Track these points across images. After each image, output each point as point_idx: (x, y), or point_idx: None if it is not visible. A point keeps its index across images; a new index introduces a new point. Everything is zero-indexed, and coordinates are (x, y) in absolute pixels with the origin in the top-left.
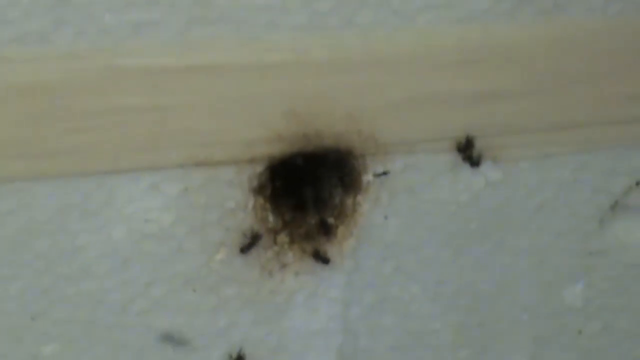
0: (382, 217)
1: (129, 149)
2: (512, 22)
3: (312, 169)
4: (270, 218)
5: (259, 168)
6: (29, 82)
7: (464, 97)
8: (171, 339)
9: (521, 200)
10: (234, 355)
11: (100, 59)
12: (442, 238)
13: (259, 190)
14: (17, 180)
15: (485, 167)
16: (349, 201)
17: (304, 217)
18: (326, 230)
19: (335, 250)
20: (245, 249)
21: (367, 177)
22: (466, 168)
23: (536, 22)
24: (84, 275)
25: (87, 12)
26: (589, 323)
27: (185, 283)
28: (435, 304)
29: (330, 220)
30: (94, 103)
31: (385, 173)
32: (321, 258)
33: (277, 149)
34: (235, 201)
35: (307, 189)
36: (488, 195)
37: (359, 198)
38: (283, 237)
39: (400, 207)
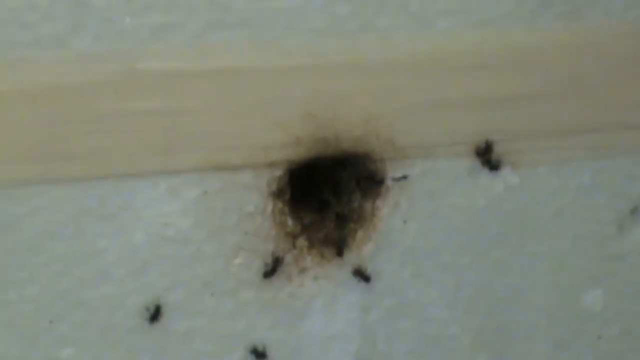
0: (401, 221)
1: (148, 152)
2: (531, 27)
3: (331, 173)
4: (289, 222)
5: (278, 172)
6: (47, 85)
7: (483, 102)
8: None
9: (540, 204)
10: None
11: (119, 62)
12: (461, 242)
13: (277, 194)
14: (35, 184)
15: (504, 171)
16: (367, 206)
17: (323, 221)
18: (342, 232)
19: (354, 255)
20: (268, 274)
21: (386, 182)
22: (485, 173)
23: (555, 27)
24: (102, 278)
25: (106, 15)
26: (607, 328)
27: (203, 287)
28: (454, 308)
29: (349, 224)
30: (112, 106)
31: (404, 177)
32: (363, 276)
33: (295, 153)
34: (254, 205)
35: (325, 192)
36: (507, 199)
37: (378, 202)
38: (302, 242)
39: (419, 212)
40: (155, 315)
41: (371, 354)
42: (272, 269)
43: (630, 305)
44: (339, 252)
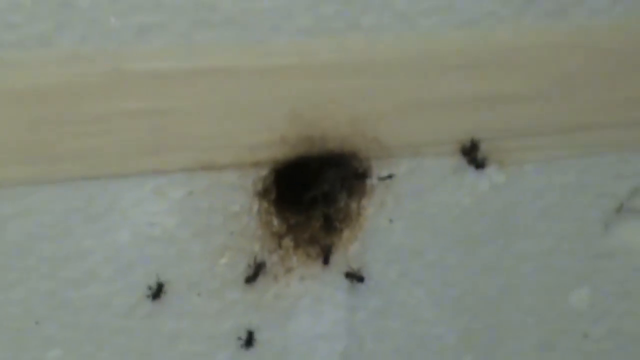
0: (387, 220)
1: (133, 152)
2: (517, 26)
3: (317, 173)
4: (275, 222)
5: (264, 172)
6: (32, 86)
7: (469, 101)
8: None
9: (526, 203)
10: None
11: (105, 62)
12: (447, 242)
13: (263, 194)
14: (21, 185)
15: (490, 170)
16: (353, 205)
17: (309, 221)
18: (330, 231)
19: (340, 255)
20: (250, 279)
21: (372, 181)
22: (471, 171)
23: (541, 25)
24: (88, 279)
25: (91, 15)
26: (594, 327)
27: (189, 287)
28: (441, 308)
29: (335, 223)
30: (98, 107)
31: (390, 176)
32: (356, 277)
33: (281, 153)
34: (239, 205)
35: (311, 193)
36: (493, 198)
37: (364, 202)
38: (288, 242)
39: (405, 211)
40: (157, 292)
41: (358, 354)
42: (255, 274)
43: (617, 304)
44: (325, 261)
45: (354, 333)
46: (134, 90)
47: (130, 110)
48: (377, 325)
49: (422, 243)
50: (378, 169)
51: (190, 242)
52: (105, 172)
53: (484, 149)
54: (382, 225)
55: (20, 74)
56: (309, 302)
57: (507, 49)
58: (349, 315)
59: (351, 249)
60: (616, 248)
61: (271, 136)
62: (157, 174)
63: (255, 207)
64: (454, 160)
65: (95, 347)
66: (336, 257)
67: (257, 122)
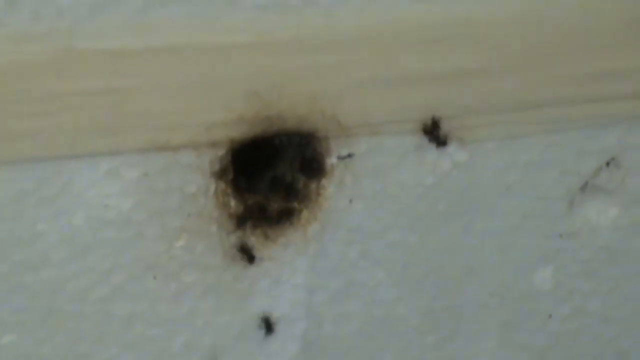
0: (347, 200)
1: (87, 133)
2: (477, 0)
3: (275, 152)
4: (232, 203)
5: (221, 152)
6: None
7: (429, 77)
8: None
9: (488, 181)
10: None
11: (57, 40)
12: (408, 221)
13: (220, 175)
14: None
15: (452, 148)
16: (312, 185)
17: (267, 201)
18: (289, 215)
19: (299, 235)
20: (252, 260)
21: (331, 160)
22: (432, 150)
23: None
24: (41, 262)
25: None
26: (558, 307)
27: (145, 270)
28: (402, 288)
29: (294, 204)
30: (50, 86)
31: (349, 155)
32: (247, 254)
33: (238, 132)
34: (196, 186)
35: (269, 173)
36: (454, 177)
37: (323, 182)
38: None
39: (365, 190)
40: None
41: (318, 337)
42: (250, 256)
43: (581, 284)
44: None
45: (314, 315)
46: (87, 69)
47: (84, 89)
48: (338, 307)
49: (383, 223)
50: (337, 148)
51: (146, 224)
52: (57, 152)
53: (445, 126)
54: (341, 205)
55: None
56: (267, 284)
57: (467, 23)
58: (308, 297)
59: (310, 230)
60: (581, 226)
61: (228, 115)
62: (112, 154)
63: (212, 188)
64: (415, 139)
65: (50, 331)
66: (295, 238)
67: (214, 101)
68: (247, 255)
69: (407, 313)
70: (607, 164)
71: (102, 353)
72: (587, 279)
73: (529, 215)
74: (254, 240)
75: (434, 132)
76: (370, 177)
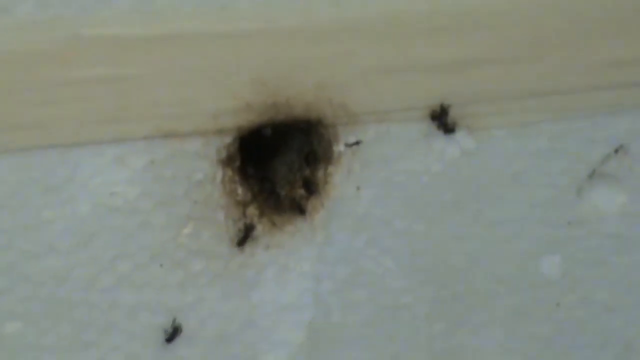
0: (354, 188)
1: (93, 121)
2: None
3: (282, 140)
4: (239, 190)
5: (227, 139)
6: None
7: (438, 65)
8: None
9: (497, 169)
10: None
11: (63, 29)
12: (416, 209)
13: (227, 162)
14: None
15: (460, 136)
16: (319, 173)
17: (274, 189)
18: (296, 202)
19: (306, 223)
20: (241, 242)
21: (339, 148)
22: (440, 137)
23: None
24: (47, 251)
25: None
26: (566, 295)
27: (151, 258)
28: (409, 277)
29: (301, 192)
30: (57, 74)
31: (357, 143)
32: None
33: (245, 120)
34: (203, 173)
35: (276, 160)
36: (463, 165)
37: (331, 169)
38: (252, 210)
39: (372, 178)
40: (172, 335)
41: (325, 325)
42: (245, 237)
43: (589, 272)
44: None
45: (321, 303)
46: (93, 57)
47: (90, 77)
48: (345, 295)
49: (390, 211)
50: (345, 136)
51: (153, 212)
52: (64, 141)
53: (453, 114)
54: (349, 193)
55: None
56: (274, 272)
57: (476, 11)
58: (315, 285)
59: (317, 218)
60: (589, 215)
61: (235, 103)
62: (118, 142)
63: (219, 175)
64: (423, 126)
65: (55, 320)
66: (302, 226)
67: (221, 89)
68: (245, 233)
69: (415, 301)
70: (616, 151)
71: (108, 342)
72: (595, 267)
73: (537, 203)
74: (260, 228)
75: (442, 119)
76: (378, 165)
